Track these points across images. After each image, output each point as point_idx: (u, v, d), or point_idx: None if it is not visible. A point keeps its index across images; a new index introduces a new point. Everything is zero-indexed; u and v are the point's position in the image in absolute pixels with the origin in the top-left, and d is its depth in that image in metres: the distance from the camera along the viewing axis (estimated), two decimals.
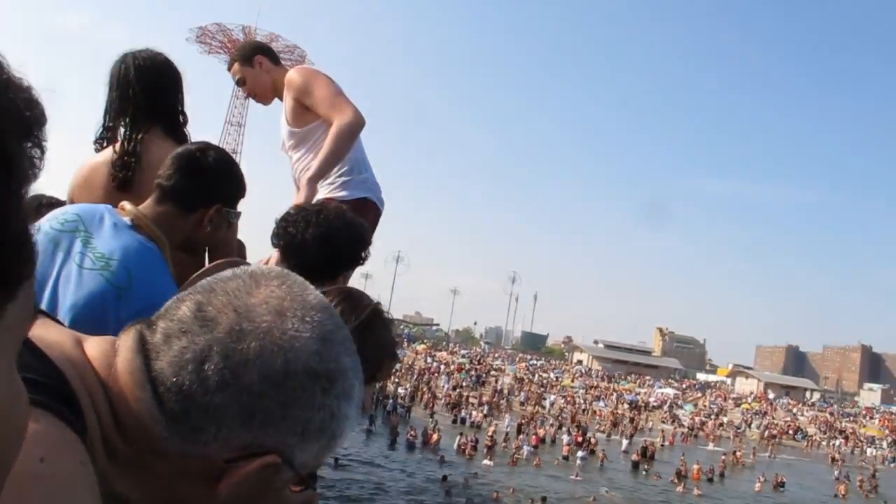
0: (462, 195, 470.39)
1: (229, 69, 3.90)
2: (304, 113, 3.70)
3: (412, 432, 35.05)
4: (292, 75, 3.70)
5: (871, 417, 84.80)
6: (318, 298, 0.90)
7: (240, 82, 3.83)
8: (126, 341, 0.86)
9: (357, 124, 3.55)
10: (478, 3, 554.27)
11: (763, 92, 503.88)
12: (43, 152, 0.56)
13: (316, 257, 2.23)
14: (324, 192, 3.61)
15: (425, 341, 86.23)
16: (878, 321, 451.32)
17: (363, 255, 2.40)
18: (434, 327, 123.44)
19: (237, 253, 2.65)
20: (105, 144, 2.91)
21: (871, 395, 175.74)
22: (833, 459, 50.11)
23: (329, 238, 2.26)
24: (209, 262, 2.46)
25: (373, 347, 1.65)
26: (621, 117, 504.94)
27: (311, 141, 3.74)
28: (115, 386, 0.83)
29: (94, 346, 0.85)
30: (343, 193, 3.69)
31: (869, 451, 60.18)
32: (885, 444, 63.82)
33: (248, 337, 0.82)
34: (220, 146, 2.43)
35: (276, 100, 3.90)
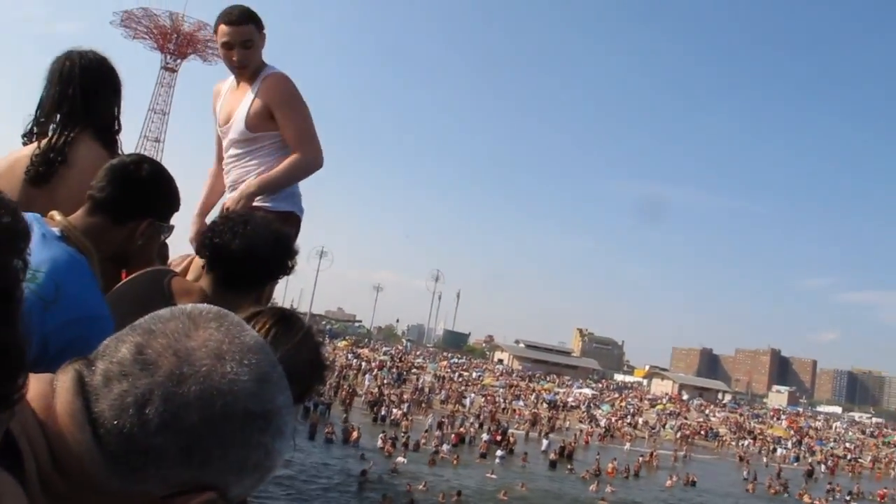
0: (387, 192, 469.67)
1: (236, 25, 3.62)
2: (266, 121, 3.61)
3: (330, 429, 34.81)
4: (277, 83, 3.62)
5: (779, 418, 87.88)
6: (254, 339, 0.93)
7: (246, 44, 3.62)
8: (64, 382, 0.86)
9: (317, 166, 3.60)
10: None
11: (686, 96, 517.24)
12: (26, 264, 0.62)
13: (242, 268, 2.26)
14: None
15: (347, 338, 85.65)
16: (786, 326, 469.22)
17: (289, 265, 2.40)
18: (356, 324, 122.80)
19: (159, 253, 2.56)
20: (34, 139, 2.83)
21: (778, 396, 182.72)
22: (740, 458, 51.67)
23: (255, 249, 2.26)
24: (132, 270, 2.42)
25: (304, 368, 1.73)
26: (545, 119, 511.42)
27: (256, 147, 3.66)
28: (54, 426, 0.83)
29: (32, 387, 0.83)
30: (269, 205, 3.63)
31: (779, 451, 62.33)
32: (789, 444, 66.20)
33: (188, 381, 0.83)
34: (154, 158, 2.38)
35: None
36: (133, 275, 2.30)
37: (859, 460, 65.85)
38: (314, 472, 25.99)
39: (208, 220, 3.65)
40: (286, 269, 2.41)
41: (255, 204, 3.52)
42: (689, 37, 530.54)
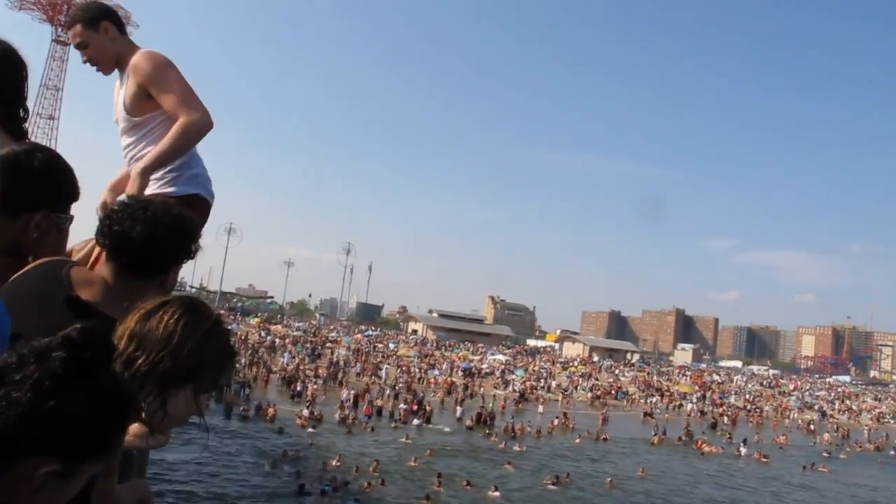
0: (297, 167, 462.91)
1: (68, 29, 3.57)
2: (144, 101, 3.51)
3: (245, 406, 34.54)
4: (140, 61, 3.48)
5: (684, 375, 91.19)
6: None
7: (81, 46, 3.52)
8: None
9: (205, 126, 3.45)
10: None
11: (590, 64, 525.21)
12: None
13: (144, 255, 2.18)
14: (153, 187, 3.46)
15: (259, 315, 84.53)
16: (690, 287, 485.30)
17: (193, 249, 2.34)
18: (268, 300, 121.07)
19: (58, 241, 2.49)
20: None
21: (683, 354, 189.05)
22: (646, 414, 53.48)
23: (156, 235, 2.18)
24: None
25: (215, 357, 1.80)
26: (454, 92, 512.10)
27: (146, 129, 3.56)
28: None
29: None
30: (172, 189, 3.57)
31: (685, 405, 64.80)
32: (694, 399, 68.94)
33: None
34: (50, 147, 2.31)
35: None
36: (29, 266, 2.20)
37: (758, 410, 69.28)
38: (230, 451, 25.75)
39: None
40: (190, 254, 2.34)
41: (156, 191, 3.44)
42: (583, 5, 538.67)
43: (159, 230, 2.19)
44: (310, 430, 31.86)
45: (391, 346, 75.35)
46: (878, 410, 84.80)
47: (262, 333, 63.24)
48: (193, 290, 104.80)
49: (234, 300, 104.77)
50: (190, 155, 3.63)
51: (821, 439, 52.76)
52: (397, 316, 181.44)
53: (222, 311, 75.08)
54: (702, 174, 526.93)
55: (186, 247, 2.31)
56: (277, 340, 60.04)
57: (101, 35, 3.50)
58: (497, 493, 23.78)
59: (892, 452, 49.44)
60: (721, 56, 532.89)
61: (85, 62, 3.55)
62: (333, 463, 24.81)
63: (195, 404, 1.77)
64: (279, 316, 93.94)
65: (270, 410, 34.41)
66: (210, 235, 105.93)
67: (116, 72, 3.66)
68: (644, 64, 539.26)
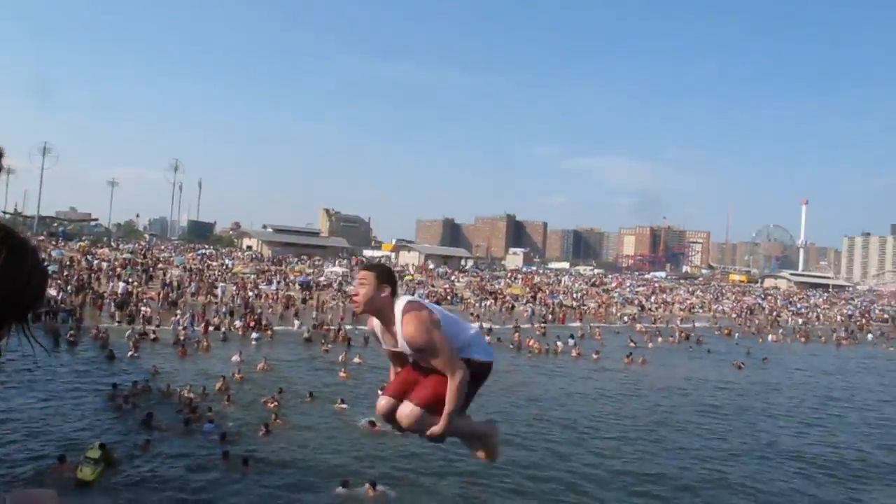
0: (116, 81, 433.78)
1: (361, 271, 4.01)
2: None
3: (72, 333, 33.47)
4: (412, 333, 3.75)
5: (516, 278, 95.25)
6: None
7: (359, 284, 3.89)
8: None
9: (465, 380, 3.78)
10: None
11: None
12: None
13: None
14: None
15: (84, 238, 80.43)
16: (520, 193, 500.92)
17: None
18: (93, 223, 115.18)
19: None
20: None
21: (515, 258, 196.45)
22: (477, 317, 55.83)
23: None
24: None
25: (27, 280, 1.51)
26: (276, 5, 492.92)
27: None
28: None
29: None
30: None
31: (517, 307, 68.05)
32: (525, 300, 72.51)
33: None
34: None
35: None
36: None
37: (584, 307, 73.88)
38: (76, 388, 24.99)
39: None
40: None
41: None
42: None
43: None
44: (133, 355, 31.24)
45: (226, 263, 74.08)
46: (689, 302, 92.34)
47: (89, 258, 60.45)
48: (7, 215, 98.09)
49: (55, 225, 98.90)
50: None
51: (642, 332, 57.26)
52: (231, 232, 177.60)
53: (42, 237, 71.10)
54: (528, 84, 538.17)
55: None
56: (105, 264, 57.65)
57: (377, 293, 3.83)
58: (344, 406, 24.48)
59: (695, 342, 54.31)
60: None
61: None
62: (180, 389, 24.51)
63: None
64: (105, 239, 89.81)
65: (103, 336, 33.58)
66: (23, 156, 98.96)
67: None
68: None
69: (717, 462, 21.90)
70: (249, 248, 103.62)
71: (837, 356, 55.65)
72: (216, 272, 64.30)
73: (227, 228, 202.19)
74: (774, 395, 35.08)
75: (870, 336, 72.77)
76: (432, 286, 74.64)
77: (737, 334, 63.29)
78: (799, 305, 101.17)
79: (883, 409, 33.78)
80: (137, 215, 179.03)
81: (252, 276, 63.90)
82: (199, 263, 69.32)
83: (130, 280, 51.10)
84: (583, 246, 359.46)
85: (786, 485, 20.14)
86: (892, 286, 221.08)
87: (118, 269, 55.28)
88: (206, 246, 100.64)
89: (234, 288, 55.01)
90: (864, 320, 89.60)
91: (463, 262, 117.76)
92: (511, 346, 43.88)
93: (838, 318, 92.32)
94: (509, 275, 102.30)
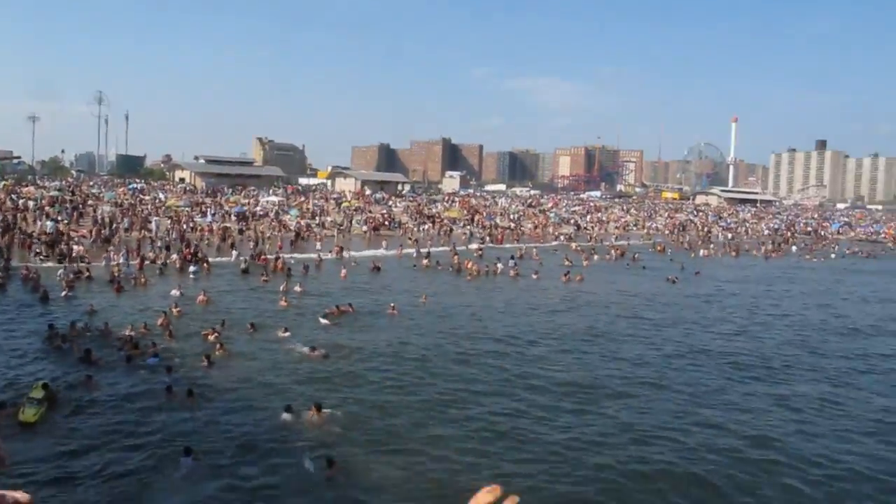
0: (32, 7, 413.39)
1: None
2: None
3: (2, 276, 32.71)
4: None
5: (453, 202, 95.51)
6: None
7: None
8: None
9: None
10: None
11: None
12: None
13: None
14: None
15: (7, 177, 77.71)
16: (455, 116, 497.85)
17: None
18: (15, 161, 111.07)
19: None
20: None
21: (451, 181, 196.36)
22: (416, 241, 56.01)
23: None
24: None
25: None
26: None
27: None
28: None
29: None
30: None
31: (455, 230, 68.42)
32: (462, 224, 72.90)
33: None
34: None
35: None
36: None
37: (521, 228, 74.69)
38: (8, 331, 24.44)
39: None
40: None
41: None
42: None
43: None
44: (83, 293, 30.76)
45: (160, 197, 72.54)
46: (623, 220, 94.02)
47: (13, 197, 58.54)
48: None
49: None
50: None
51: (579, 251, 58.28)
52: (162, 165, 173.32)
53: None
54: (462, 3, 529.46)
55: None
56: (32, 203, 55.92)
57: None
58: (287, 333, 24.54)
59: (631, 259, 55.52)
60: None
61: None
62: (120, 328, 24.09)
63: None
64: (30, 177, 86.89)
65: (33, 276, 32.85)
66: None
67: None
68: None
69: (651, 368, 22.95)
70: (182, 180, 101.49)
71: (766, 268, 57.58)
72: (149, 206, 63.05)
73: (157, 161, 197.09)
74: (706, 307, 36.32)
75: (794, 248, 75.52)
76: (370, 212, 74.42)
77: (670, 250, 64.83)
78: (729, 221, 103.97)
79: (805, 314, 35.57)
80: (63, 151, 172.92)
81: (186, 209, 62.87)
82: (131, 198, 67.86)
83: (59, 218, 49.74)
84: (519, 167, 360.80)
85: (716, 383, 21.53)
86: (815, 200, 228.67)
87: (46, 208, 53.74)
88: (138, 180, 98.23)
89: (169, 222, 54.11)
90: (789, 233, 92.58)
91: (400, 187, 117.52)
92: (450, 270, 44.35)
93: (765, 231, 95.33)
94: (446, 198, 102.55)
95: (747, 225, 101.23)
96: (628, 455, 15.36)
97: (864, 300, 41.41)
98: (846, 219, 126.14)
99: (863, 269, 59.90)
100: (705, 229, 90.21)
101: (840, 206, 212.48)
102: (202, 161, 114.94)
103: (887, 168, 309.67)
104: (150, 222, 52.27)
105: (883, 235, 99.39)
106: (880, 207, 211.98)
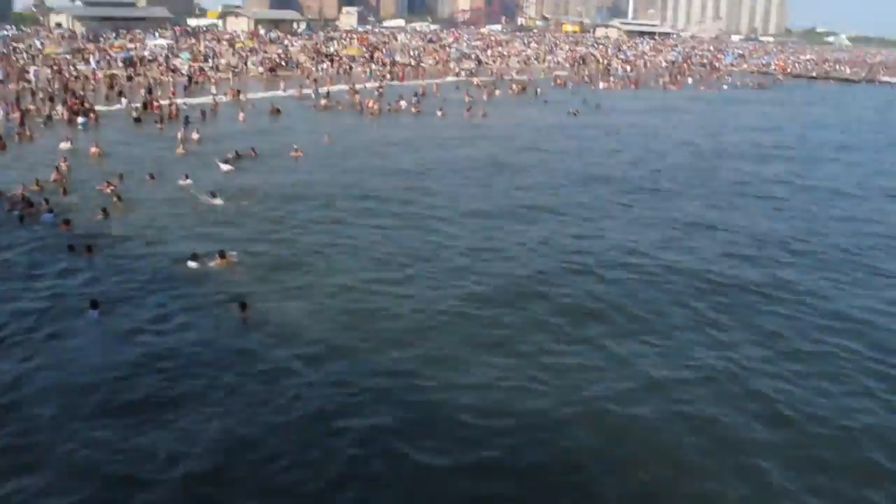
0: None
1: None
2: None
3: None
4: None
5: (351, 39, 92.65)
6: None
7: None
8: None
9: None
10: None
11: None
12: None
13: None
14: None
15: None
16: None
17: None
18: None
19: None
20: None
21: (349, 18, 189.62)
22: (315, 81, 54.62)
23: None
24: None
25: None
26: None
27: None
28: None
29: None
30: None
31: (354, 68, 66.95)
32: (361, 62, 71.22)
33: None
34: None
35: None
36: None
37: (422, 65, 73.48)
38: None
39: None
40: None
41: None
42: None
43: None
44: None
45: (36, 44, 67.84)
46: (524, 54, 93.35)
47: None
48: None
49: None
50: None
51: (480, 86, 58.04)
52: (34, 10, 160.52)
53: None
54: None
55: None
56: None
57: None
58: (189, 181, 23.91)
59: (534, 93, 55.75)
60: None
61: None
62: (10, 186, 22.45)
63: None
64: None
65: None
66: None
67: None
68: None
69: (547, 191, 24.90)
70: (59, 25, 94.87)
71: (663, 98, 58.87)
72: (25, 55, 59.06)
73: (29, 4, 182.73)
74: (606, 137, 37.25)
75: (690, 80, 77.03)
76: (265, 52, 71.83)
77: (570, 84, 65.23)
78: (628, 53, 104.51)
79: (696, 141, 37.49)
80: None
81: (67, 57, 59.23)
82: (4, 47, 63.10)
83: None
84: (418, 2, 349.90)
85: (611, 204, 23.59)
86: (712, 32, 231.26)
87: None
88: (8, 27, 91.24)
89: (49, 71, 50.81)
90: (686, 66, 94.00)
91: (295, 26, 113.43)
92: (352, 109, 43.86)
93: (663, 64, 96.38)
94: (344, 36, 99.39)
95: (646, 58, 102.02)
96: (528, 260, 17.42)
97: (753, 129, 43.11)
98: (740, 51, 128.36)
99: (753, 100, 61.97)
100: (605, 62, 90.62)
101: (735, 38, 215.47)
102: (79, 3, 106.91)
103: (781, 1, 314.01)
104: (28, 72, 48.99)
105: (773, 67, 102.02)
106: (772, 40, 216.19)
